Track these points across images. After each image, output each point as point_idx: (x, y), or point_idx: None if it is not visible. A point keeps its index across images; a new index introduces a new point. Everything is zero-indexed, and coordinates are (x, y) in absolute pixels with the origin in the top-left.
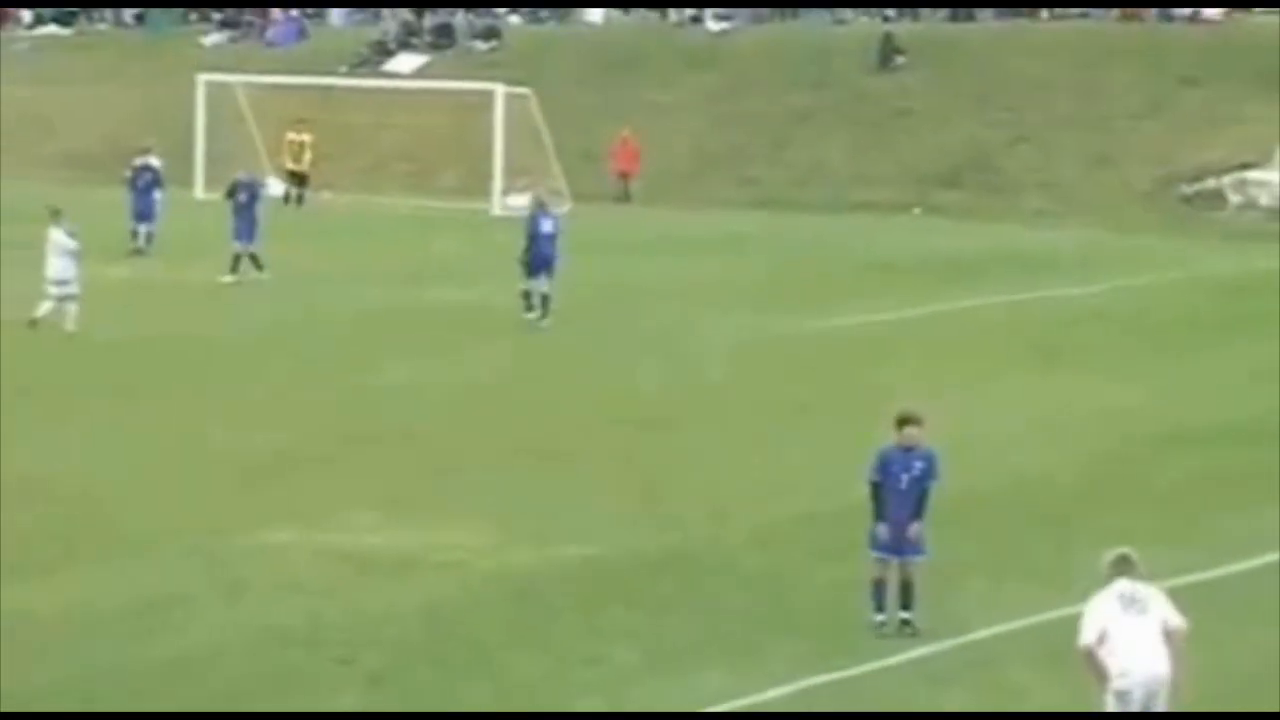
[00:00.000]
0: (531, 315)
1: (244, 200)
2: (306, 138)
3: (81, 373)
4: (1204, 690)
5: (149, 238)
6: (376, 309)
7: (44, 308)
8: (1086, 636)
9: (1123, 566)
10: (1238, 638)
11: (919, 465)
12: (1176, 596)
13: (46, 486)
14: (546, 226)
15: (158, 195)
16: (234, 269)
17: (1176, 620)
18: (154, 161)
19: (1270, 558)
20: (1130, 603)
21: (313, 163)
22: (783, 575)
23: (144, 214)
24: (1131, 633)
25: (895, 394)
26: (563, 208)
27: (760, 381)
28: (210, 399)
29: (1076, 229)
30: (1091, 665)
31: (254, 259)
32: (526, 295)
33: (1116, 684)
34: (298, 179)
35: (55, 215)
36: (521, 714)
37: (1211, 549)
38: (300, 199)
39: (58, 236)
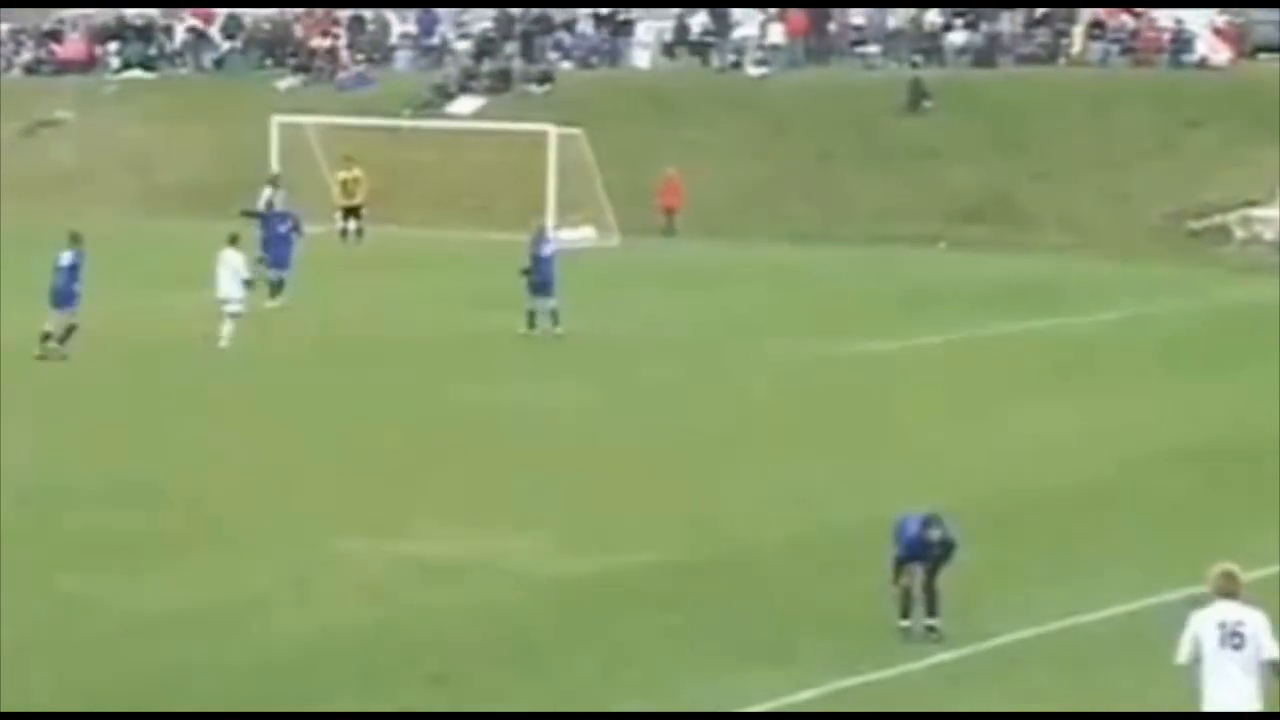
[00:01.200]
0: (535, 331)
1: (284, 231)
2: (357, 173)
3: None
4: None
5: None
6: (442, 333)
7: (227, 328)
8: (1181, 657)
9: (1226, 585)
10: None
11: (937, 551)
12: (1182, 606)
13: (159, 490)
14: (546, 251)
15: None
16: (274, 294)
17: (1271, 652)
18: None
19: (1271, 570)
20: (1229, 636)
21: (365, 198)
22: (815, 582)
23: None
24: (1226, 667)
25: (925, 414)
26: (613, 240)
27: (796, 402)
28: (290, 417)
29: (1091, 261)
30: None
31: (281, 284)
32: (532, 314)
33: (1206, 707)
34: (352, 213)
35: (233, 240)
36: (566, 714)
37: (1212, 561)
38: (360, 232)
39: (232, 259)
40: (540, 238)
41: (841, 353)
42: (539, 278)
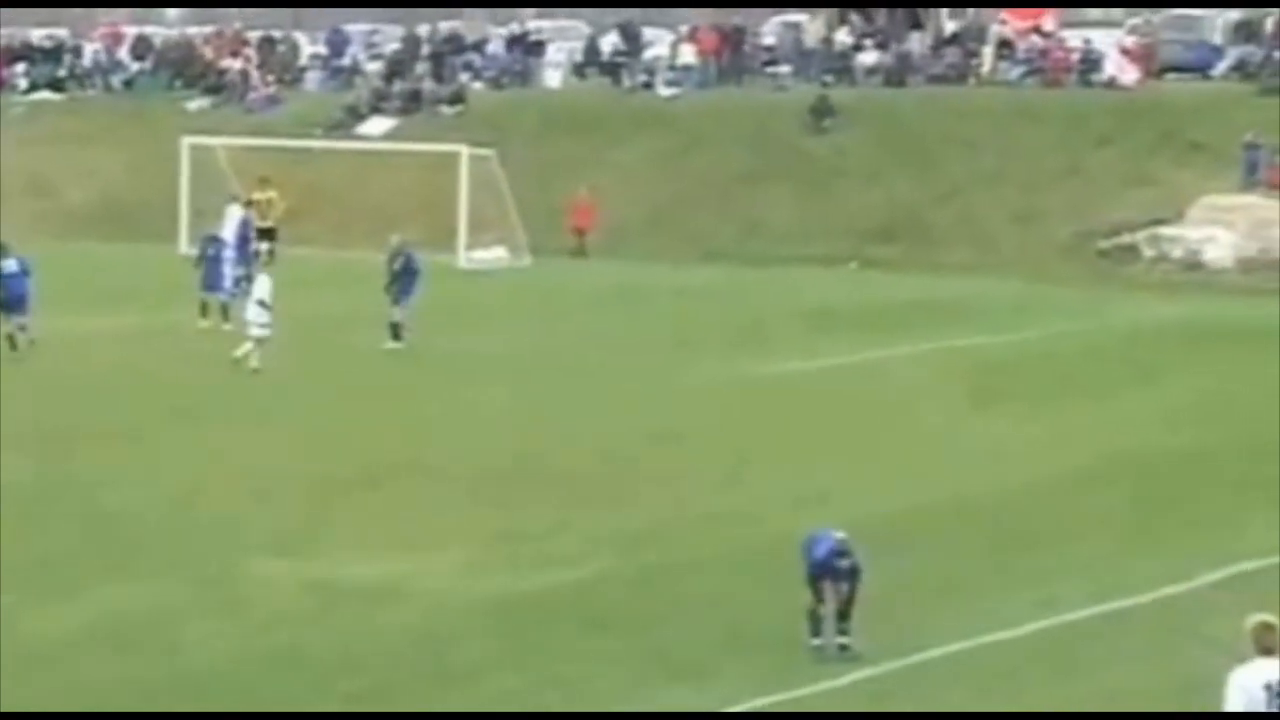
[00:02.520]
0: (400, 344)
1: (212, 254)
2: (272, 194)
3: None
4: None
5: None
6: (352, 354)
7: (246, 347)
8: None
9: (1267, 639)
10: (1162, 660)
11: (846, 578)
12: (1100, 621)
13: (76, 508)
14: (398, 265)
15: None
16: (204, 314)
17: None
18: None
19: (1187, 585)
20: (1277, 697)
21: (280, 218)
22: (738, 600)
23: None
24: None
25: (838, 432)
26: (524, 260)
27: (709, 422)
28: (201, 438)
29: (1001, 281)
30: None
31: (205, 307)
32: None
33: None
34: (267, 234)
35: (268, 264)
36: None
37: (1126, 578)
38: (271, 253)
39: (266, 280)
40: (396, 253)
41: (755, 372)
42: (398, 289)
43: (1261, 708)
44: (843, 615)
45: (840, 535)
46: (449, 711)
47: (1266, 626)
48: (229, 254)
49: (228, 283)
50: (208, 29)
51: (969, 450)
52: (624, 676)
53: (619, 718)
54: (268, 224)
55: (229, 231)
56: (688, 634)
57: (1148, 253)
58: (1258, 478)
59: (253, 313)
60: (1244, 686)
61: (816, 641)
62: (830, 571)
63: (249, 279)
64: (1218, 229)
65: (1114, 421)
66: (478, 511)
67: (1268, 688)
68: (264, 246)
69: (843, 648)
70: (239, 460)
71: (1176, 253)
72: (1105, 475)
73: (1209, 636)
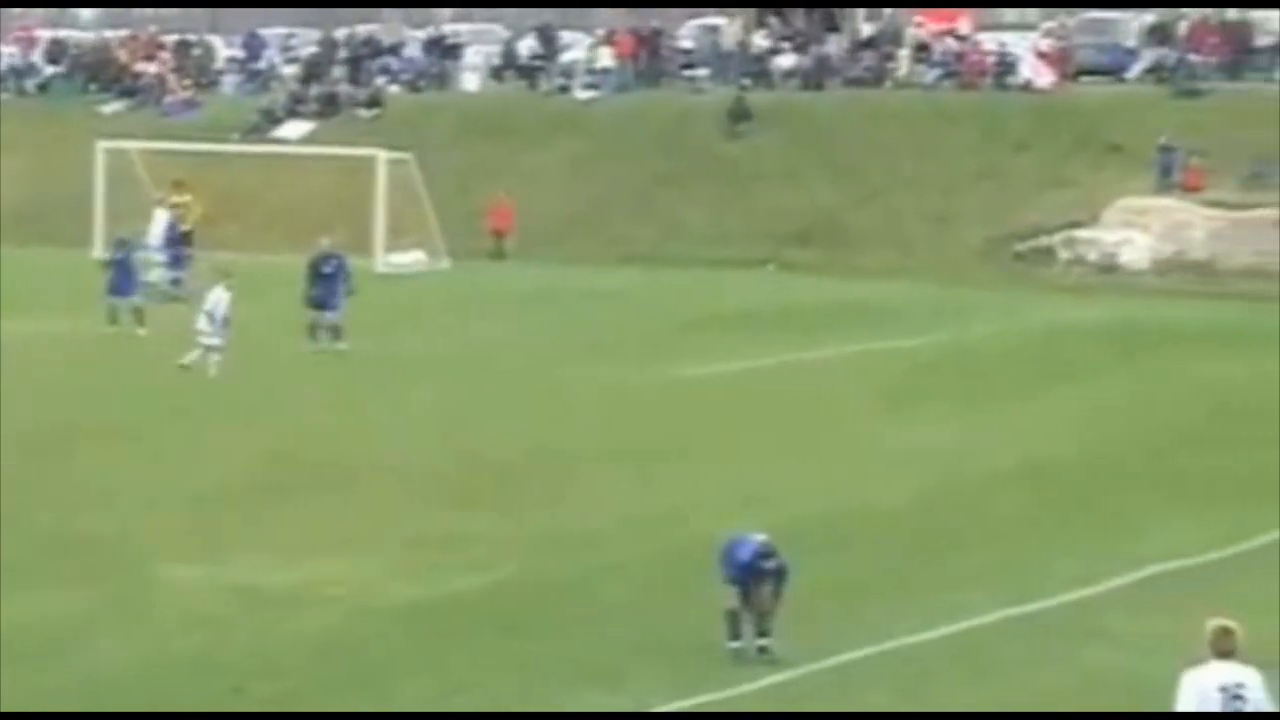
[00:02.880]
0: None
1: (120, 258)
2: (187, 198)
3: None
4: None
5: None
6: (268, 360)
7: (192, 355)
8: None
9: (1224, 643)
10: (1070, 661)
11: (771, 580)
12: (1012, 623)
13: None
14: (327, 268)
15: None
16: (112, 320)
17: (1269, 708)
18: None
19: (1096, 588)
20: (1232, 699)
21: (195, 222)
22: (652, 605)
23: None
24: None
25: (754, 436)
26: (442, 264)
27: (627, 425)
28: (113, 444)
29: (918, 284)
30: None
31: (114, 311)
32: (314, 327)
33: None
34: (183, 238)
35: (228, 277)
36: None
37: (1040, 580)
38: (188, 258)
39: (223, 297)
40: (326, 255)
41: (672, 375)
42: (319, 293)
43: (1215, 707)
44: (764, 618)
45: (763, 538)
46: (362, 712)
47: (1225, 630)
48: (159, 257)
49: (137, 288)
50: (123, 32)
51: (885, 453)
52: (537, 681)
53: (541, 718)
54: (184, 228)
55: (156, 234)
56: (604, 638)
57: (1064, 255)
58: (1168, 481)
59: (201, 322)
60: (1198, 688)
61: (735, 644)
62: (756, 574)
63: (179, 282)
64: (1133, 231)
65: (1028, 424)
66: (394, 515)
67: (1223, 689)
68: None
69: (762, 650)
70: (155, 466)
71: (1092, 255)
72: (1019, 478)
73: (1116, 637)
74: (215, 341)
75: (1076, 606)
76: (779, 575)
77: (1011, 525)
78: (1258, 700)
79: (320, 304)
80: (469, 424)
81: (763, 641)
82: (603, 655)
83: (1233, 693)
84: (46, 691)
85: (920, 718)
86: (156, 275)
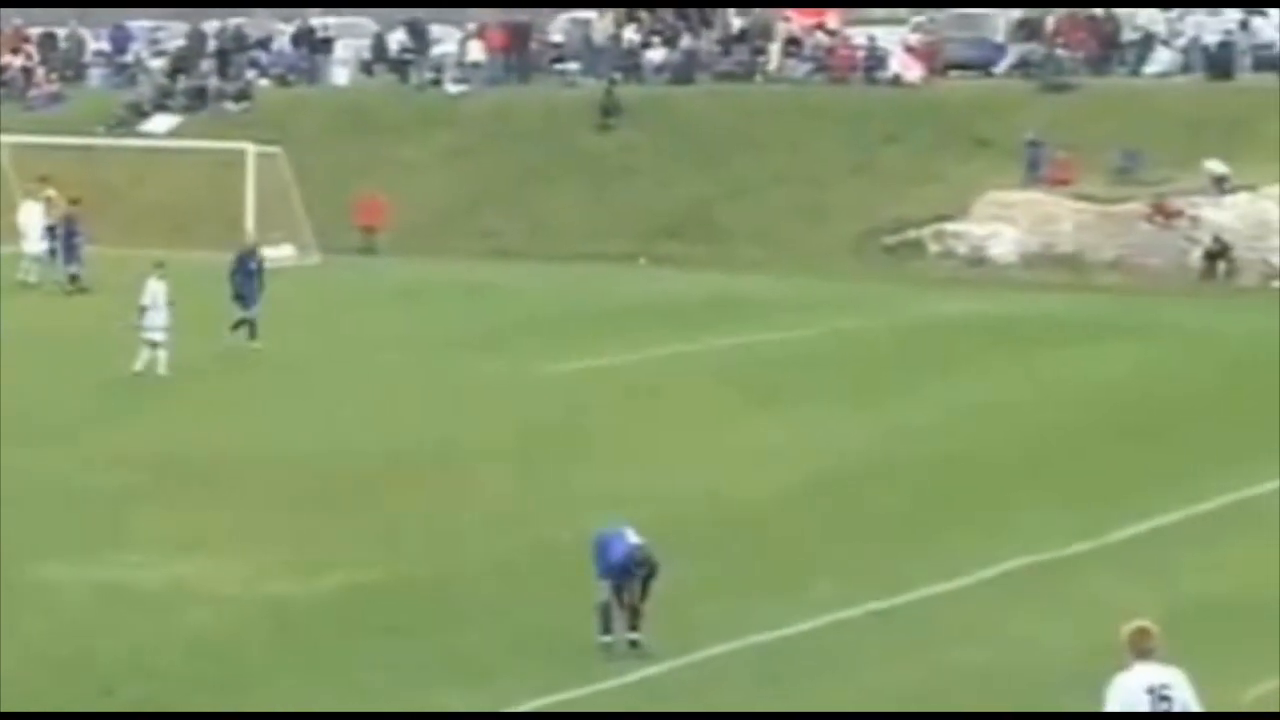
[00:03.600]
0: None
1: None
2: (51, 193)
3: None
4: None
5: None
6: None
7: (144, 356)
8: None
9: (1144, 643)
10: (926, 657)
11: (643, 576)
12: (868, 620)
13: None
14: (253, 264)
15: None
16: None
17: (1194, 708)
18: None
19: (954, 583)
20: (1159, 700)
21: (59, 217)
22: (519, 601)
23: None
24: None
25: (625, 432)
26: (312, 258)
27: (499, 421)
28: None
29: (788, 277)
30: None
31: None
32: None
33: None
34: (47, 233)
35: (159, 268)
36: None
37: (904, 576)
38: (53, 253)
39: (157, 287)
40: (250, 252)
41: (544, 370)
42: (247, 289)
43: (1145, 709)
44: (634, 612)
45: (636, 541)
46: (231, 712)
47: (1142, 632)
48: (40, 249)
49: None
50: None
51: (756, 448)
52: (405, 679)
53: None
54: (48, 223)
55: (35, 229)
56: (474, 636)
57: (933, 249)
58: (1034, 475)
59: (147, 319)
60: (1125, 690)
61: (606, 638)
62: (627, 575)
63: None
64: (1001, 225)
65: (898, 419)
66: (265, 514)
67: (1150, 691)
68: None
69: (633, 644)
70: (24, 466)
71: (961, 248)
72: (887, 473)
73: (974, 633)
74: (160, 337)
75: (929, 603)
76: (650, 570)
77: (879, 521)
78: (1184, 700)
79: (248, 300)
80: (340, 421)
81: (633, 635)
82: (472, 653)
83: (1159, 694)
84: None
85: (779, 717)
86: (39, 274)
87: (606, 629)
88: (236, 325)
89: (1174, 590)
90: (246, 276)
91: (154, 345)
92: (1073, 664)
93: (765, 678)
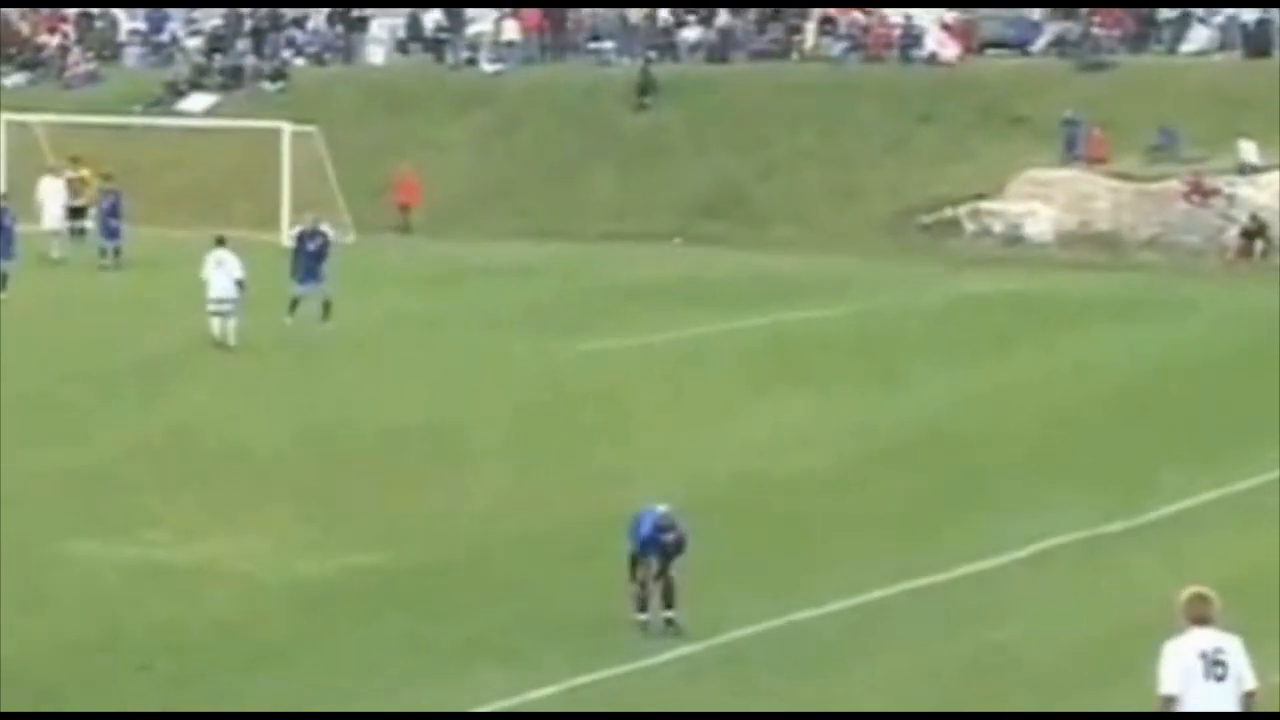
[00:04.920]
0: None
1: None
2: (85, 173)
3: None
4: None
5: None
6: (168, 338)
7: (215, 325)
8: (1169, 687)
9: (1201, 610)
10: (964, 635)
11: (671, 550)
12: (904, 599)
13: None
14: (312, 244)
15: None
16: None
17: (1251, 683)
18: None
19: (989, 562)
20: (1212, 665)
21: (92, 198)
22: (551, 580)
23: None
24: (1211, 700)
25: (659, 410)
26: (348, 238)
27: (532, 399)
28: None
29: (824, 256)
30: (1169, 712)
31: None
32: (295, 302)
33: None
34: (78, 214)
35: (221, 243)
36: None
37: (938, 554)
38: (83, 232)
39: (226, 260)
40: (313, 230)
41: (576, 349)
42: (305, 268)
43: (1197, 676)
44: (668, 590)
45: (663, 509)
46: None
47: (1200, 598)
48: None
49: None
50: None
51: (781, 428)
52: (431, 658)
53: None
54: (80, 202)
55: (56, 202)
56: (502, 615)
57: (969, 227)
58: (1063, 455)
59: (215, 290)
60: (1177, 655)
61: (642, 616)
62: (655, 546)
63: (117, 251)
64: (1038, 203)
65: (932, 398)
66: (291, 494)
67: (1203, 656)
68: (76, 225)
69: (669, 622)
70: (51, 445)
71: (997, 227)
72: (915, 453)
73: (1006, 613)
74: (228, 308)
75: (972, 581)
76: (677, 547)
77: (911, 500)
78: (1238, 665)
79: (306, 278)
80: (370, 399)
81: (669, 614)
82: (500, 632)
83: (1212, 658)
84: None
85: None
86: (59, 249)
87: (642, 608)
88: (292, 306)
89: (1206, 571)
90: (307, 256)
91: (225, 318)
92: (1105, 644)
93: (796, 658)
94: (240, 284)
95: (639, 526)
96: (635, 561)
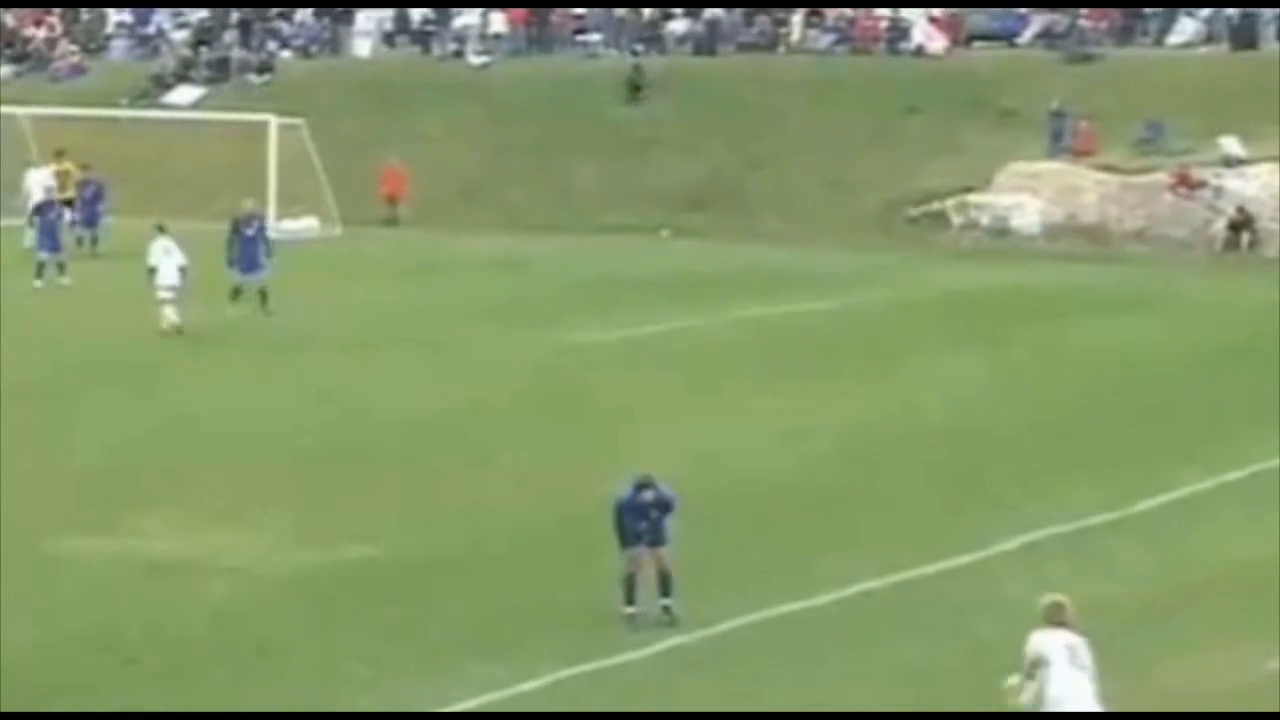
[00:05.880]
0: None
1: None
2: (69, 166)
3: None
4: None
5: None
6: (153, 329)
7: (167, 313)
8: (1039, 651)
9: (1058, 615)
10: (955, 628)
11: (655, 513)
12: (895, 591)
13: None
14: (250, 230)
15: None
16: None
17: (1093, 673)
18: None
19: (978, 554)
20: (1074, 656)
21: (76, 191)
22: (540, 573)
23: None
24: (1075, 681)
25: (647, 403)
26: (335, 230)
27: (520, 393)
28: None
29: (812, 249)
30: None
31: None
32: (237, 290)
33: (1065, 707)
34: (65, 206)
35: (163, 230)
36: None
37: (929, 547)
38: (72, 224)
39: (170, 246)
40: (251, 217)
41: (565, 342)
42: (245, 256)
43: (1061, 660)
44: (664, 578)
45: (640, 471)
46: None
47: (1057, 605)
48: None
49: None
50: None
51: (771, 421)
52: (427, 650)
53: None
54: (66, 195)
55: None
56: (498, 607)
57: (956, 220)
58: (1053, 447)
59: (161, 278)
60: (1046, 640)
61: (630, 610)
62: (637, 510)
63: (95, 240)
64: (1025, 196)
65: (915, 391)
66: (285, 486)
67: (1068, 648)
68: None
69: (665, 610)
70: (45, 441)
71: (985, 220)
72: (906, 445)
73: (999, 604)
74: (169, 295)
75: (964, 573)
76: (662, 506)
77: (903, 492)
78: (1088, 660)
79: (247, 267)
80: (361, 393)
81: (665, 601)
82: (495, 624)
83: (1073, 650)
84: None
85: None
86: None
87: (631, 600)
88: (234, 294)
89: (1198, 560)
90: (244, 243)
91: (168, 304)
92: (1099, 634)
93: (790, 649)
94: (183, 270)
95: (618, 503)
96: (622, 526)
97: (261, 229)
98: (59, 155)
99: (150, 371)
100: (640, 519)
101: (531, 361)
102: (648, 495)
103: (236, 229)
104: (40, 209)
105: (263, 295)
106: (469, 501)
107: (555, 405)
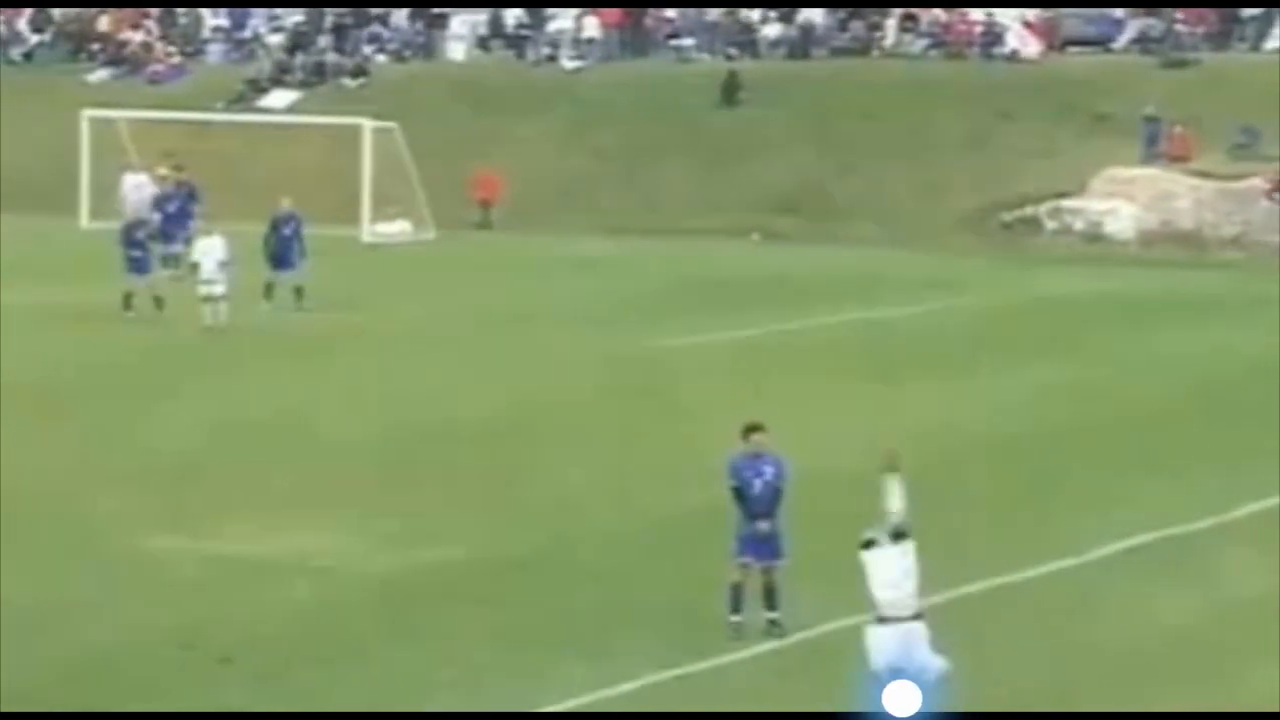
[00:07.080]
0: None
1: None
2: (162, 170)
3: None
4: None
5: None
6: (253, 329)
7: (207, 311)
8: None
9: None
10: (1054, 634)
11: (769, 470)
12: (992, 596)
13: None
14: (287, 230)
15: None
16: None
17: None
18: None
19: (1076, 560)
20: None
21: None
22: (633, 575)
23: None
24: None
25: (736, 407)
26: (428, 234)
27: (612, 394)
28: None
29: (904, 253)
30: None
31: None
32: (270, 286)
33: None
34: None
35: (208, 232)
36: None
37: (1024, 551)
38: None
39: (214, 245)
40: (288, 217)
41: (655, 345)
42: (280, 253)
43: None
44: (770, 590)
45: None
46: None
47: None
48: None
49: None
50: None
51: (860, 425)
52: (517, 651)
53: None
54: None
55: (143, 203)
56: (584, 609)
57: (1050, 225)
58: (1149, 452)
59: (203, 272)
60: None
61: (736, 618)
62: (749, 475)
63: (177, 261)
64: (1119, 201)
65: (1007, 396)
66: (372, 487)
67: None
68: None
69: (772, 623)
70: (130, 439)
71: (1079, 225)
72: (998, 450)
73: (1098, 609)
74: (218, 290)
75: (1063, 577)
76: (776, 467)
77: (997, 496)
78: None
79: (280, 263)
80: (447, 393)
81: (771, 615)
82: (587, 626)
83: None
84: (35, 666)
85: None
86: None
87: (736, 608)
88: (268, 290)
89: None
90: (280, 241)
91: (212, 300)
92: (1194, 641)
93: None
94: (224, 265)
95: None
96: (737, 494)
97: (298, 229)
98: (168, 156)
99: (236, 371)
100: (755, 487)
101: (620, 364)
102: (768, 467)
103: (275, 227)
104: (129, 230)
105: (298, 291)
106: (552, 502)
107: (640, 407)
